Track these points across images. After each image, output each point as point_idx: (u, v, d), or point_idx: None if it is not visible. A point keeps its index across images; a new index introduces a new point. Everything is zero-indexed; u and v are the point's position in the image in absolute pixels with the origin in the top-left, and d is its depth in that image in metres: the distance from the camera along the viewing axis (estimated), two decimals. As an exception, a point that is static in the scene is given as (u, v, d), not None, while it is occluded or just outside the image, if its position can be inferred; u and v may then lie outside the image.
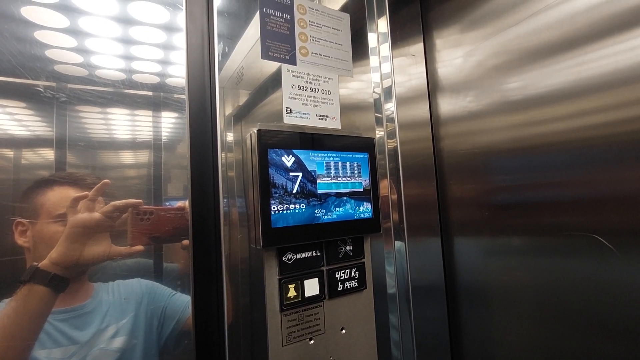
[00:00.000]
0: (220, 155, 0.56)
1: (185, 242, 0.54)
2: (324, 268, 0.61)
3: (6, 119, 0.46)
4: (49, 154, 0.48)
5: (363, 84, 0.73)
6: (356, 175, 0.64)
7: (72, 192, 0.49)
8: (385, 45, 0.76)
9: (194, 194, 0.55)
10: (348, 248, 0.64)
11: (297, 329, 0.57)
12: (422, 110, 0.79)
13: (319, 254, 0.60)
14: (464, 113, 0.74)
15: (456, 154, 0.75)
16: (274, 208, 0.54)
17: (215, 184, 0.56)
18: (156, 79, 0.55)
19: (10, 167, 0.46)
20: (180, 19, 0.57)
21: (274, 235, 0.54)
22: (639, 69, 0.48)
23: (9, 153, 0.46)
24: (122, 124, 0.53)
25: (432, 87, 0.80)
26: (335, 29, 0.69)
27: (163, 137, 0.55)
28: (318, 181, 0.60)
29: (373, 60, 0.75)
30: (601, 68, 0.52)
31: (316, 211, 0.59)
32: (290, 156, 0.57)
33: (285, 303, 0.56)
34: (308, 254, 0.59)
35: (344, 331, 0.62)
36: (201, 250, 0.55)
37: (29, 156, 0.48)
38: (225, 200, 0.56)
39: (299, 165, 0.58)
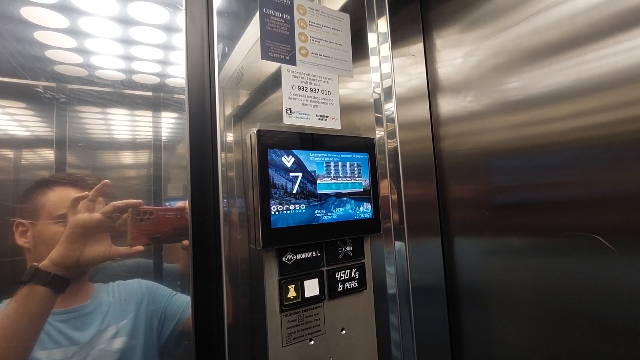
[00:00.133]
0: (220, 156, 0.56)
1: (185, 242, 0.54)
2: (324, 268, 0.61)
3: (6, 120, 0.46)
4: (49, 154, 0.48)
5: (363, 84, 0.73)
6: (356, 176, 0.64)
7: (72, 193, 0.49)
8: (385, 45, 0.76)
9: (194, 195, 0.55)
10: (348, 248, 0.64)
11: (297, 329, 0.57)
12: (422, 111, 0.79)
13: (319, 254, 0.60)
14: (464, 113, 0.74)
15: (456, 154, 0.75)
16: (273, 208, 0.54)
17: (215, 185, 0.56)
18: (156, 80, 0.55)
19: (11, 168, 0.46)
20: (180, 19, 0.58)
21: (273, 235, 0.54)
22: (639, 69, 0.48)
23: (9, 153, 0.46)
24: (122, 124, 0.53)
25: (432, 87, 0.80)
26: (335, 29, 0.69)
27: (163, 138, 0.55)
28: (318, 181, 0.60)
29: (373, 60, 0.75)
30: (601, 68, 0.52)
31: (316, 211, 0.59)
32: (290, 156, 0.57)
33: (285, 304, 0.56)
34: (308, 255, 0.59)
35: (344, 332, 0.62)
36: (201, 250, 0.55)
37: (29, 157, 0.48)
38: (225, 200, 0.56)
39: (298, 165, 0.58)
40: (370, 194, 0.66)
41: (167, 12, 0.57)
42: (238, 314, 0.56)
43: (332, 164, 0.62)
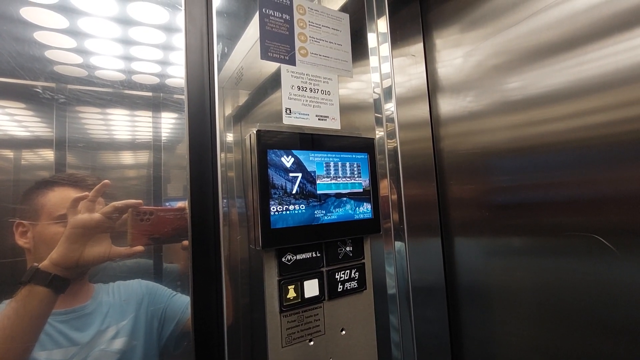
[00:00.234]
0: (220, 156, 0.56)
1: (185, 242, 0.54)
2: (324, 269, 0.61)
3: (6, 120, 0.46)
4: (48, 154, 0.48)
5: (363, 84, 0.73)
6: (356, 176, 0.64)
7: (72, 193, 0.49)
8: (385, 45, 0.76)
9: (193, 195, 0.55)
10: (348, 249, 0.64)
11: (296, 330, 0.57)
12: (422, 111, 0.79)
13: (318, 254, 0.60)
14: (464, 113, 0.74)
15: (456, 154, 0.75)
16: (273, 209, 0.54)
17: (215, 185, 0.56)
18: (155, 80, 0.55)
19: (11, 168, 0.46)
20: (180, 19, 0.57)
21: (273, 236, 0.54)
22: (639, 69, 0.48)
23: (9, 154, 0.46)
24: (121, 124, 0.53)
25: (432, 87, 0.80)
26: (334, 29, 0.69)
27: (162, 138, 0.55)
28: (318, 182, 0.60)
29: (373, 60, 0.75)
30: (601, 68, 0.51)
31: (316, 212, 0.59)
32: (290, 157, 0.57)
33: (284, 304, 0.56)
34: (308, 255, 0.59)
35: (344, 332, 0.62)
36: (200, 251, 0.55)
37: (29, 157, 0.48)
38: (224, 200, 0.56)
39: (298, 165, 0.58)
40: (370, 194, 0.66)
41: (166, 13, 0.57)
42: (238, 314, 0.56)
43: (331, 164, 0.62)
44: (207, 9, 0.60)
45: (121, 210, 0.51)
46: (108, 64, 0.52)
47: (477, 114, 0.71)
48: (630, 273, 0.49)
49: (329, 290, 0.61)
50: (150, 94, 0.55)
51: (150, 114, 0.55)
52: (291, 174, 0.57)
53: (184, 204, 0.55)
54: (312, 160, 0.60)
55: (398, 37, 0.77)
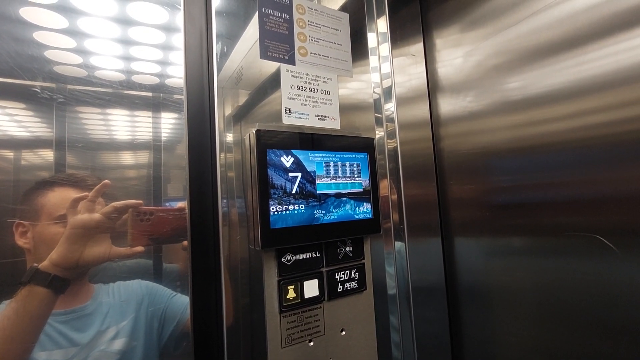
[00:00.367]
0: (219, 156, 0.56)
1: (185, 243, 0.54)
2: (324, 269, 0.61)
3: (5, 120, 0.46)
4: (48, 155, 0.48)
5: (363, 84, 0.73)
6: (356, 176, 0.64)
7: (72, 193, 0.49)
8: (385, 45, 0.76)
9: (193, 195, 0.55)
10: (348, 249, 0.64)
11: (296, 330, 0.57)
12: (422, 111, 0.79)
13: (318, 255, 0.60)
14: (464, 113, 0.73)
15: (456, 154, 0.75)
16: (273, 209, 0.54)
17: (214, 185, 0.56)
18: (155, 80, 0.55)
19: (10, 169, 0.46)
20: (179, 19, 0.57)
21: (273, 236, 0.54)
22: (639, 68, 0.48)
23: (9, 154, 0.46)
24: (121, 124, 0.53)
25: (432, 87, 0.80)
26: (334, 29, 0.69)
27: (162, 138, 0.55)
28: (317, 182, 0.60)
29: (373, 60, 0.75)
30: (601, 68, 0.51)
31: (315, 212, 0.59)
32: (290, 156, 0.57)
33: (284, 304, 0.56)
34: (307, 255, 0.59)
35: (343, 332, 0.62)
36: (200, 251, 0.55)
37: (29, 157, 0.48)
38: (224, 200, 0.56)
39: (298, 165, 0.58)
40: (370, 194, 0.65)
41: (165, 12, 0.57)
42: (237, 314, 0.56)
43: (331, 164, 0.62)
44: (206, 8, 0.60)
45: (121, 210, 0.51)
46: (107, 64, 0.52)
47: (477, 113, 0.71)
48: (631, 273, 0.49)
49: (329, 291, 0.61)
50: (149, 94, 0.55)
51: (149, 114, 0.55)
52: (291, 174, 0.57)
53: (183, 204, 0.55)
54: (312, 160, 0.60)
55: (398, 36, 0.77)
